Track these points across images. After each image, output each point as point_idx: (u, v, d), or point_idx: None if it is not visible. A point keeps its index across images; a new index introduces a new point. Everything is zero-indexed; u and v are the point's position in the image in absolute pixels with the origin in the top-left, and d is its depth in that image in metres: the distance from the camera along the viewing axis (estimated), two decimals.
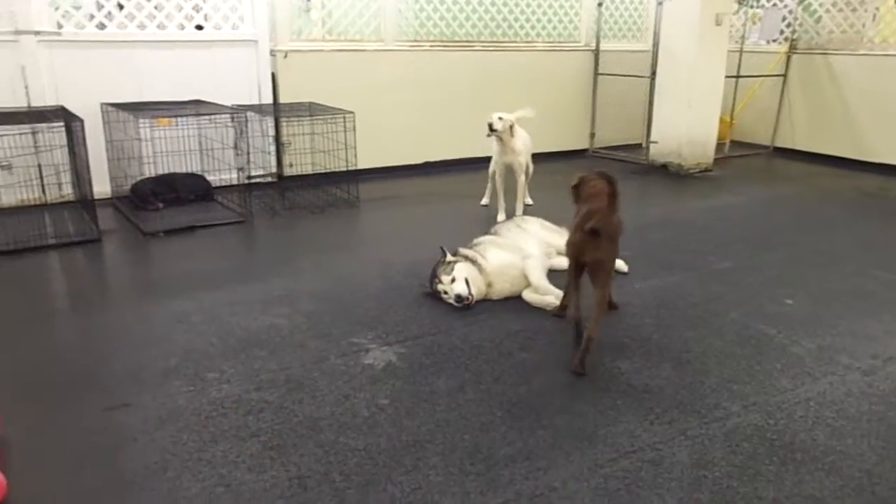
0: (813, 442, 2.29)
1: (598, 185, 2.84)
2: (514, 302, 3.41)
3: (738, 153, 7.61)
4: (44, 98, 4.85)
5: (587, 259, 2.74)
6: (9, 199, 4.79)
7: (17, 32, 4.71)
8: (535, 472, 2.11)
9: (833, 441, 2.30)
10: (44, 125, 4.49)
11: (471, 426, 2.34)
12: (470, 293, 3.26)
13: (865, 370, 2.78)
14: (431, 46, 6.42)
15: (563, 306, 3.18)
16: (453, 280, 3.28)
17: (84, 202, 4.56)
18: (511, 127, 4.75)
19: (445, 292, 3.29)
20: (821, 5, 7.49)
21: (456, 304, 3.26)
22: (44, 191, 4.88)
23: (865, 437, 2.32)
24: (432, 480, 2.06)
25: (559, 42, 7.25)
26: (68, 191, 4.89)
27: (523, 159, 4.90)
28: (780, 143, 7.79)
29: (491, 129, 4.71)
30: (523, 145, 4.88)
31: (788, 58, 7.60)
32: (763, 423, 2.39)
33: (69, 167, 4.64)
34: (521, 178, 4.92)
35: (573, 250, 2.80)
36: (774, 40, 7.77)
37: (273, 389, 2.56)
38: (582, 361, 2.68)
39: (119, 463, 2.14)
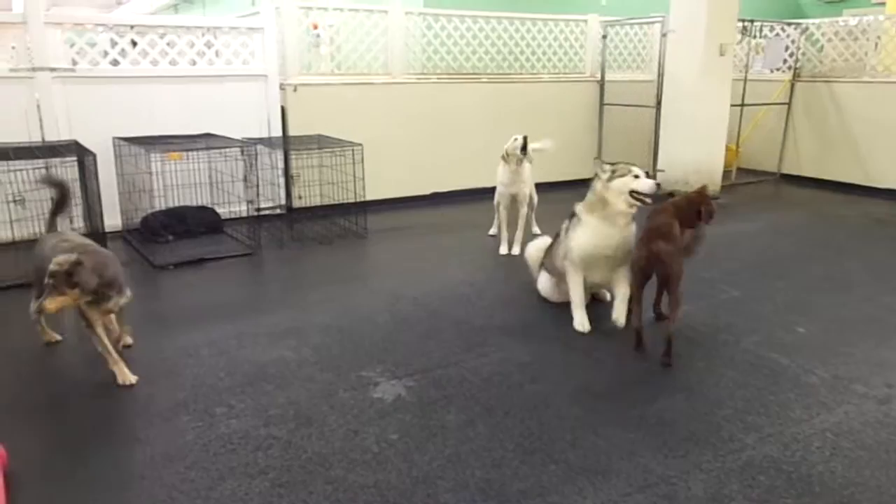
0: (831, 474, 2.25)
1: (660, 206, 3.24)
2: (524, 334, 3.39)
3: (744, 180, 7.63)
4: (57, 133, 4.93)
5: (654, 270, 3.08)
6: (21, 232, 4.82)
7: (34, 69, 4.82)
8: None
9: (851, 473, 2.26)
10: (57, 160, 4.55)
11: (482, 461, 2.31)
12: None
13: (881, 399, 2.74)
14: (438, 79, 6.51)
15: (638, 334, 3.18)
16: (636, 176, 3.24)
17: (95, 235, 4.59)
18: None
19: (633, 190, 3.23)
20: (823, 35, 7.57)
21: (647, 197, 3.23)
22: (56, 225, 4.92)
23: (884, 467, 2.28)
24: None
25: (565, 73, 7.34)
26: (79, 224, 4.93)
27: (527, 189, 4.91)
28: (786, 170, 7.82)
29: (524, 149, 4.64)
30: (529, 175, 4.90)
31: (792, 86, 7.66)
32: (779, 455, 2.35)
33: (81, 201, 4.69)
34: (524, 210, 4.93)
35: (640, 263, 3.09)
36: (778, 69, 7.85)
37: (282, 425, 2.54)
38: (667, 353, 3.03)
39: (126, 500, 2.12)
